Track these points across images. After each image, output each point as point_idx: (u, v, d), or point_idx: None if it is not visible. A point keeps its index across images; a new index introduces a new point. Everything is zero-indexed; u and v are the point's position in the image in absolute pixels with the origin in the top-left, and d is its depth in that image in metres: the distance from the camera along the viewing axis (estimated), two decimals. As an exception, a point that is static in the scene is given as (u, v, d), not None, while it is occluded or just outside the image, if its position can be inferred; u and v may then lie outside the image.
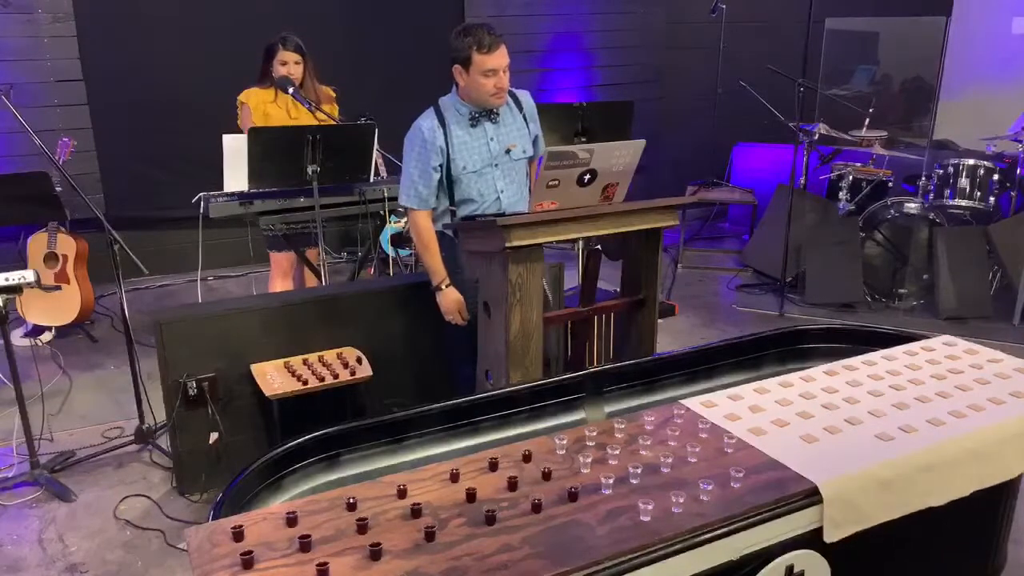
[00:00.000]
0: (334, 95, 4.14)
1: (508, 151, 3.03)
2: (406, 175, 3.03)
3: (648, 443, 1.85)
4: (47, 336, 4.77)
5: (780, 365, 2.65)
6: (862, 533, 1.72)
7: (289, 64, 3.86)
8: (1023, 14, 6.55)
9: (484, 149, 3.00)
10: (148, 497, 3.20)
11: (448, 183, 3.01)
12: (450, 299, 3.03)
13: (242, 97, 3.98)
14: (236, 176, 3.67)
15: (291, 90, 3.81)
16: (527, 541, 1.50)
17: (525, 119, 3.10)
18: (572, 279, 4.14)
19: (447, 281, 3.03)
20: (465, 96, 2.96)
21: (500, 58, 2.85)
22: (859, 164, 5.71)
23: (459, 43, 2.86)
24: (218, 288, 5.75)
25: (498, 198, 3.03)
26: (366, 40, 6.27)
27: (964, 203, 5.26)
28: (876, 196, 5.53)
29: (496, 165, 3.01)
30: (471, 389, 2.92)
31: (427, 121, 2.97)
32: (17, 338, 4.56)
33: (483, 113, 2.98)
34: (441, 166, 2.98)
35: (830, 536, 1.68)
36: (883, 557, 1.88)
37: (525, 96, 3.13)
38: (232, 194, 3.72)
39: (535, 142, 3.19)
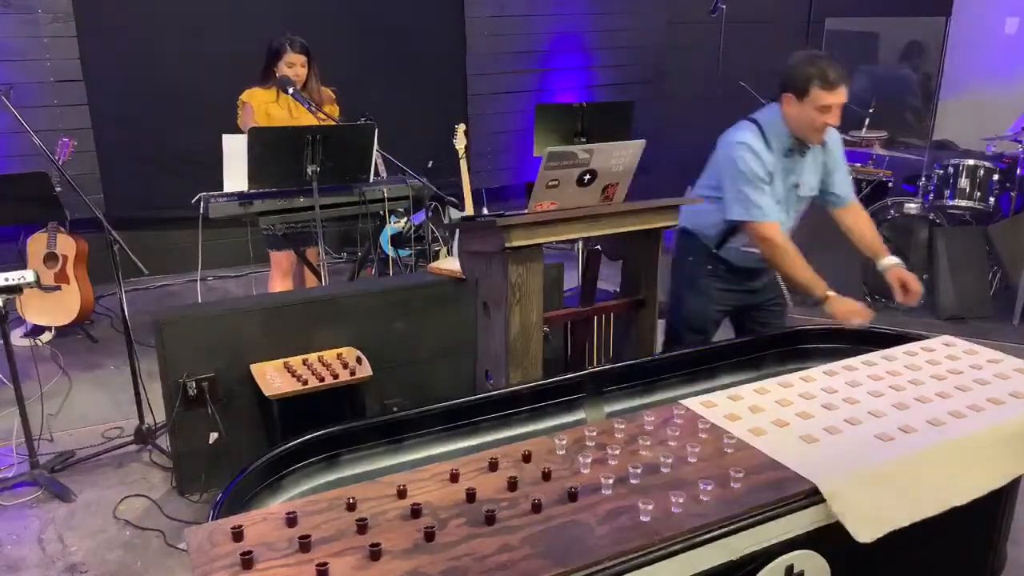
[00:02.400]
0: (334, 96, 4.15)
1: (796, 186, 2.95)
2: (736, 192, 2.87)
3: (648, 443, 1.85)
4: (47, 336, 4.77)
5: (780, 365, 2.64)
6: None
7: (296, 66, 3.87)
8: (1017, 14, 6.55)
9: (784, 179, 2.93)
10: (148, 497, 3.20)
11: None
12: (842, 305, 2.83)
13: (244, 97, 3.98)
14: (236, 176, 3.68)
15: (291, 90, 3.81)
16: (527, 541, 1.50)
17: (824, 157, 2.98)
18: (572, 279, 4.14)
19: (828, 289, 2.88)
20: (788, 123, 2.84)
21: (840, 96, 2.74)
22: (859, 164, 5.70)
23: (801, 71, 2.74)
24: (218, 288, 5.75)
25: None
26: (366, 40, 6.27)
27: (964, 203, 5.26)
28: (876, 196, 5.52)
29: (785, 197, 2.96)
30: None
31: (757, 142, 2.84)
32: (17, 338, 4.56)
33: (798, 145, 2.89)
34: (770, 173, 2.88)
35: (865, 536, 1.68)
36: (882, 557, 1.88)
37: (832, 135, 2.98)
38: (232, 194, 3.72)
39: (829, 179, 3.01)
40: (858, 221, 3.11)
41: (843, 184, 3.07)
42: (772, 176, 2.88)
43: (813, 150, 2.95)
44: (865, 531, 1.69)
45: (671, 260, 3.25)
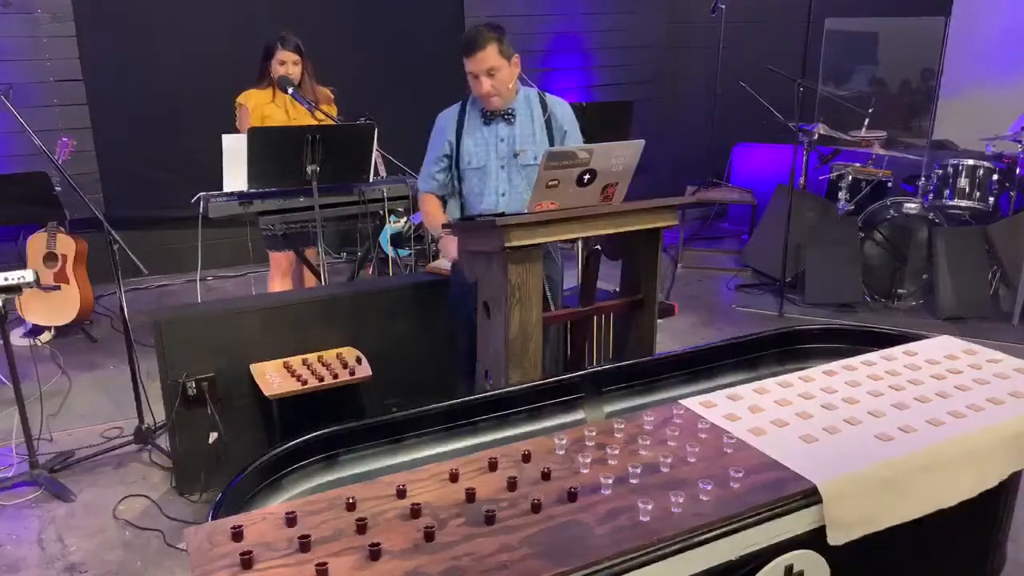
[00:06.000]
0: (332, 96, 4.14)
1: (516, 155, 3.01)
2: (426, 158, 3.14)
3: (647, 443, 1.85)
4: (46, 336, 4.77)
5: (779, 365, 2.64)
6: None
7: (288, 64, 3.86)
8: (1017, 14, 6.55)
9: (491, 148, 3.00)
10: (147, 497, 3.20)
11: (457, 176, 3.06)
12: (445, 243, 3.03)
13: (240, 99, 3.98)
14: (236, 176, 3.67)
15: (291, 90, 3.81)
16: (526, 541, 1.50)
17: (550, 127, 3.03)
18: (572, 279, 4.14)
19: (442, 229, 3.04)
20: None
21: (475, 63, 2.85)
22: (858, 164, 5.71)
23: None
24: (218, 288, 5.75)
25: (498, 201, 3.03)
26: (366, 40, 6.27)
27: (963, 203, 5.26)
28: (875, 196, 5.53)
29: (503, 167, 3.01)
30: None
31: (449, 110, 3.05)
32: (16, 338, 4.56)
33: (497, 112, 2.97)
34: (448, 156, 3.04)
35: (836, 539, 1.68)
36: (882, 557, 1.88)
37: (556, 104, 3.06)
38: (232, 194, 3.72)
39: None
40: None
41: (579, 141, 3.09)
42: (456, 145, 3.01)
43: (528, 119, 3.00)
44: (841, 533, 1.69)
45: None
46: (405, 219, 5.57)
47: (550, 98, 3.07)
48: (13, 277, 3.00)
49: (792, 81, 5.21)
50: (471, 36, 2.84)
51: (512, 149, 3.01)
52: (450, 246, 3.00)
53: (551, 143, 3.04)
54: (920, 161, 5.52)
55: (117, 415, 3.85)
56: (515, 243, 2.50)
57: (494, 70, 2.86)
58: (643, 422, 1.96)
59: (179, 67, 5.69)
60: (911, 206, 5.26)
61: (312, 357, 3.20)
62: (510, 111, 2.98)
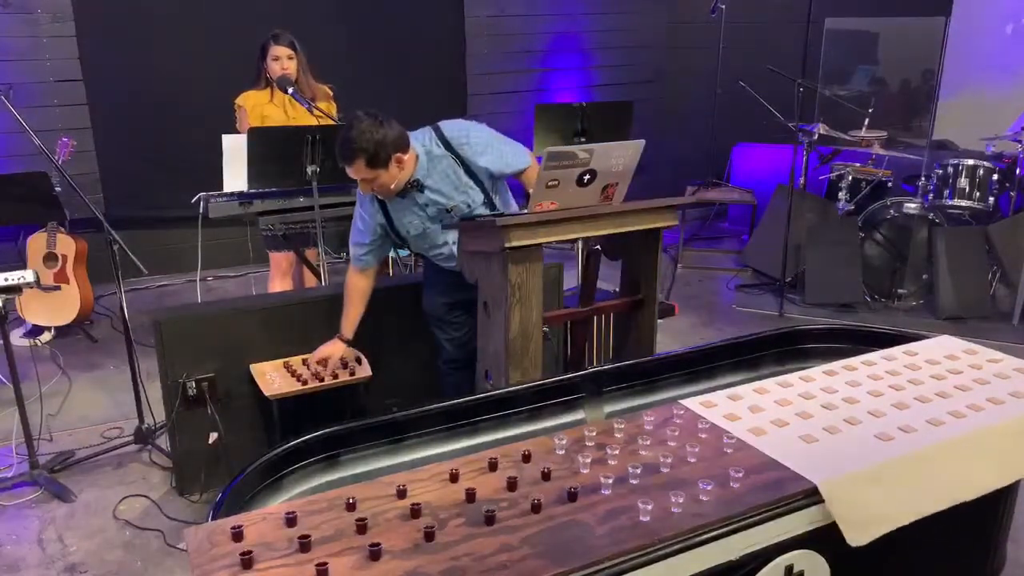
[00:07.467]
0: (331, 93, 4.14)
1: (449, 211, 2.93)
2: (352, 234, 3.08)
3: (648, 443, 1.85)
4: (46, 336, 4.77)
5: (779, 365, 2.65)
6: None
7: (282, 59, 3.86)
8: (1016, 15, 6.56)
9: (419, 215, 2.95)
10: (148, 497, 3.20)
11: (402, 240, 3.05)
12: (322, 349, 3.11)
13: (239, 100, 3.98)
14: (235, 176, 3.67)
15: (291, 90, 3.81)
16: (526, 541, 1.50)
17: (469, 170, 2.91)
18: (572, 279, 4.14)
19: (342, 336, 3.11)
20: None
21: (352, 172, 2.77)
22: (858, 164, 5.71)
23: None
24: (217, 288, 5.75)
25: (452, 247, 2.98)
26: (366, 40, 6.27)
27: (963, 203, 5.26)
28: (875, 196, 5.53)
29: (442, 221, 2.96)
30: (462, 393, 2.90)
31: (363, 200, 2.98)
32: (16, 338, 4.56)
33: (408, 183, 2.87)
34: (384, 235, 3.02)
35: (856, 540, 1.68)
36: (882, 557, 1.88)
37: (464, 148, 2.89)
38: (231, 194, 3.71)
39: (503, 171, 2.96)
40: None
41: (509, 159, 2.97)
42: (385, 224, 2.99)
43: (438, 176, 2.89)
44: (858, 534, 1.69)
45: None
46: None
47: (457, 145, 2.90)
48: (13, 277, 3.00)
49: (792, 81, 5.21)
50: (341, 146, 2.72)
51: (440, 208, 2.93)
52: (331, 354, 3.09)
53: (479, 184, 2.95)
54: (920, 161, 5.52)
55: (117, 415, 3.85)
56: (515, 243, 2.50)
57: (367, 180, 2.78)
58: (643, 422, 1.96)
59: (179, 67, 5.68)
60: (911, 206, 5.26)
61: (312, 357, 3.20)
62: (413, 182, 2.87)
